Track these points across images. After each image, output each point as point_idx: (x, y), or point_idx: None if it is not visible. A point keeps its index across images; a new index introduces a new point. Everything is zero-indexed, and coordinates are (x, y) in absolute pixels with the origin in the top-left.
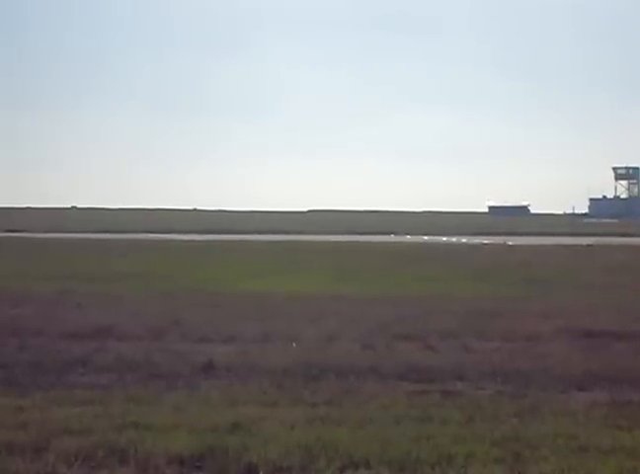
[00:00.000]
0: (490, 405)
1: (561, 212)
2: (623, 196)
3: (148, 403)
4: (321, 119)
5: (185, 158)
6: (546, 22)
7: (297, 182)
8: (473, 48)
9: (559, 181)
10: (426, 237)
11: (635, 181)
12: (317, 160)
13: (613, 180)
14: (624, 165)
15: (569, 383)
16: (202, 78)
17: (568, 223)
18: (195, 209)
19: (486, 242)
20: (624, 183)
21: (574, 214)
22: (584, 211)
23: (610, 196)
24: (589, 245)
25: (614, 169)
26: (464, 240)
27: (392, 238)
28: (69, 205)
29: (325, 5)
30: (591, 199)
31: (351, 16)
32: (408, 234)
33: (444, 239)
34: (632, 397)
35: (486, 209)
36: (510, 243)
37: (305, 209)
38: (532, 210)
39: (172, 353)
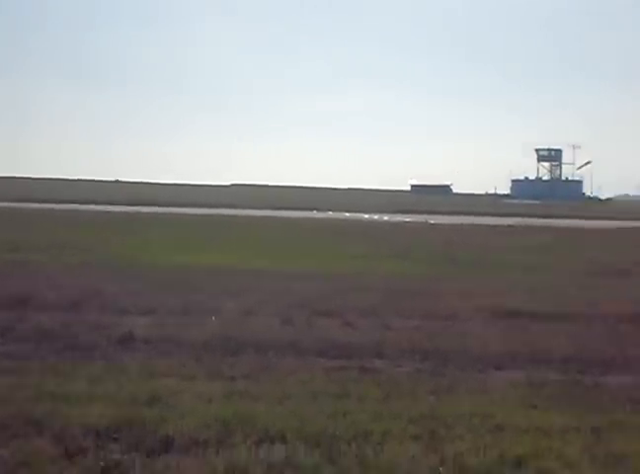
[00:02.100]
0: (408, 383)
1: (483, 192)
2: (545, 177)
3: (66, 374)
4: (247, 95)
5: (108, 129)
6: (469, 3)
7: (222, 156)
8: (397, 27)
9: (483, 161)
10: (348, 214)
11: (557, 163)
12: (242, 135)
13: (536, 162)
14: (547, 147)
15: (487, 363)
16: (127, 50)
17: (490, 203)
18: (117, 181)
19: (408, 220)
20: (546, 165)
21: (496, 195)
22: (506, 192)
23: (533, 177)
24: (510, 225)
25: (537, 150)
26: (386, 218)
27: (315, 214)
28: None
29: None
30: (513, 181)
31: None
32: (330, 211)
33: (367, 216)
34: (548, 377)
35: (409, 188)
36: (432, 221)
37: (228, 183)
38: (455, 190)
39: (91, 324)
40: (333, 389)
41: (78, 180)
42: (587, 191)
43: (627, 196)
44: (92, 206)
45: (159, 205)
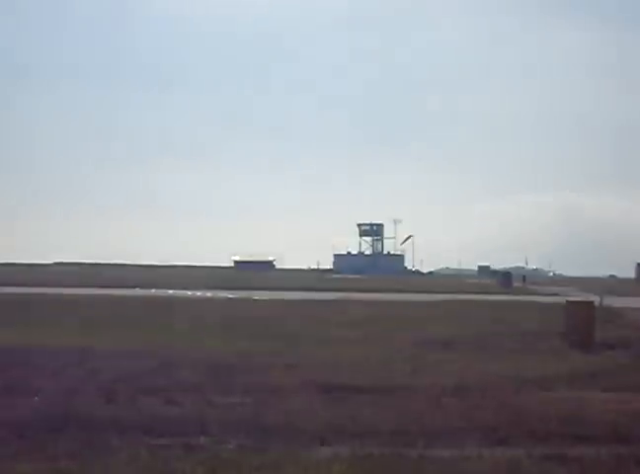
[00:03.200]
0: (232, 459)
1: (306, 268)
2: (368, 252)
3: None
4: (64, 168)
5: None
6: (329, 83)
7: (44, 234)
8: (201, 99)
9: (307, 237)
10: (171, 291)
11: (379, 237)
12: (63, 212)
13: (359, 236)
14: (369, 222)
15: (312, 437)
16: None
17: (315, 278)
18: None
19: (231, 296)
20: (368, 239)
21: (319, 270)
22: (329, 267)
23: (355, 251)
24: (333, 300)
25: (359, 225)
26: (210, 294)
27: (138, 291)
28: None
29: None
30: (335, 255)
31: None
32: (154, 288)
33: (190, 293)
34: (372, 451)
35: (232, 264)
36: (255, 297)
37: (50, 262)
38: (278, 265)
39: None
40: (157, 467)
41: None
42: (409, 264)
43: (448, 269)
44: None
45: None
